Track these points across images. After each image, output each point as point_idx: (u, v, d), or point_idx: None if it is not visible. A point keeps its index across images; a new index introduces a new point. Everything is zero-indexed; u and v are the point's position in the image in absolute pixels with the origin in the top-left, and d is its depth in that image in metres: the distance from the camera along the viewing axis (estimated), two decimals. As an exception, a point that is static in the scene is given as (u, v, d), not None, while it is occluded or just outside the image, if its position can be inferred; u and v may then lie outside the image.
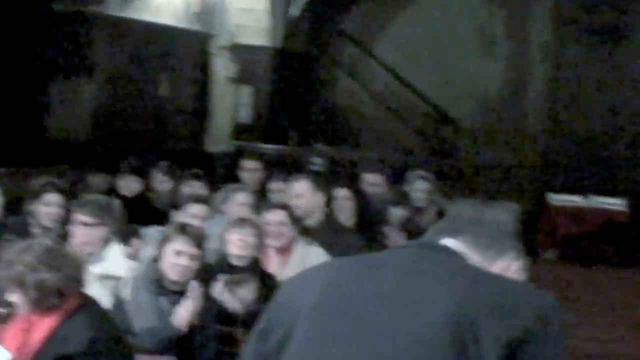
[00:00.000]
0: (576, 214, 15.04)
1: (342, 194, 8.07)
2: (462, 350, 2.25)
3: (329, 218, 7.61)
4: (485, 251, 2.53)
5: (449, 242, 2.52)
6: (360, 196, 8.43)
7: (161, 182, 9.49)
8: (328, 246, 7.03)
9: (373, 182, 9.26)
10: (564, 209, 15.17)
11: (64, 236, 6.34)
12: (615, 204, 15.26)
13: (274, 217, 6.98)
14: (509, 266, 2.57)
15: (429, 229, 2.65)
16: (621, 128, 17.10)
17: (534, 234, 14.75)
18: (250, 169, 9.59)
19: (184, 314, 5.78)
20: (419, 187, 9.31)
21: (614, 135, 17.10)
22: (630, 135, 17.10)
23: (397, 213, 8.58)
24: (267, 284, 6.27)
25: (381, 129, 17.69)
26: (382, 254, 2.64)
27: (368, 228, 8.06)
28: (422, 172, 9.71)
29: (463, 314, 2.27)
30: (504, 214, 2.75)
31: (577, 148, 17.21)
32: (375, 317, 2.35)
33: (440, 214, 9.27)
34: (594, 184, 16.32)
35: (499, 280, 2.43)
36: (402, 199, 8.80)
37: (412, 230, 8.49)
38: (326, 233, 7.39)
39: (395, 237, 8.21)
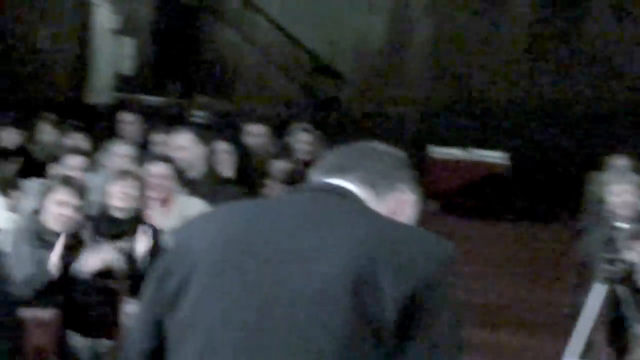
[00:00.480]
0: (457, 166, 15.24)
1: (223, 146, 8.09)
2: (360, 305, 2.20)
3: (211, 170, 7.64)
4: (377, 187, 2.47)
5: (340, 182, 2.46)
6: (242, 148, 8.46)
7: (46, 133, 9.38)
8: (209, 198, 7.07)
9: (255, 133, 9.29)
10: (444, 162, 15.36)
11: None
12: (495, 156, 15.50)
13: (156, 170, 6.99)
14: (403, 199, 2.51)
15: (316, 166, 2.55)
16: (503, 83, 17.40)
17: (418, 185, 14.92)
18: (129, 122, 9.54)
19: (55, 258, 5.79)
20: (302, 139, 9.35)
21: (495, 89, 17.39)
22: (510, 89, 17.42)
23: (279, 165, 8.62)
24: (151, 236, 6.29)
25: (264, 81, 17.68)
26: (277, 199, 2.64)
27: (250, 180, 8.10)
28: (304, 125, 9.77)
29: (361, 267, 2.22)
30: (392, 148, 2.63)
31: (458, 101, 17.46)
32: (270, 270, 2.30)
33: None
34: (475, 137, 16.57)
35: (396, 228, 2.36)
36: (285, 152, 8.85)
37: (295, 183, 8.56)
38: (208, 185, 7.43)
39: (277, 189, 8.26)
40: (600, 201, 8.75)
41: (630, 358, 4.75)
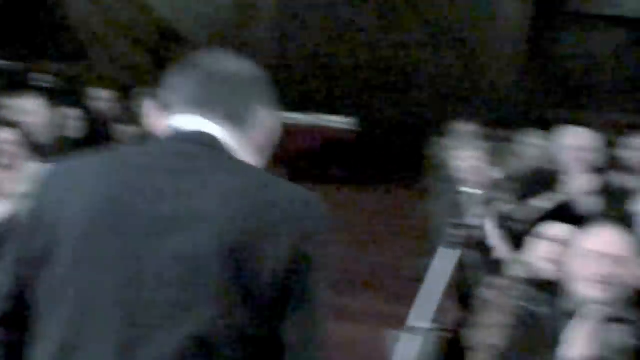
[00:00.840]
0: (304, 131, 15.31)
1: (71, 111, 7.95)
2: (237, 273, 2.17)
3: (59, 135, 7.49)
4: (242, 122, 2.40)
5: (203, 124, 2.36)
6: (88, 113, 8.33)
7: None
8: (58, 164, 6.94)
9: (102, 98, 9.15)
10: (292, 127, 15.41)
11: None
12: (342, 122, 15.65)
13: (3, 135, 6.80)
14: (267, 126, 2.47)
15: (174, 97, 2.39)
16: (348, 49, 17.56)
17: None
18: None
19: None
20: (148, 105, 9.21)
21: (341, 56, 17.54)
22: (355, 56, 17.60)
23: (125, 130, 8.51)
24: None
25: (111, 46, 17.41)
26: (143, 152, 2.37)
27: (98, 145, 7.97)
28: (150, 90, 9.62)
29: (239, 234, 2.18)
30: (247, 64, 2.45)
31: (305, 67, 17.56)
32: (143, 238, 2.22)
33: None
34: (322, 102, 16.70)
35: (271, 188, 2.27)
36: (131, 117, 8.71)
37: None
38: (57, 150, 7.28)
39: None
40: (446, 166, 8.97)
41: (478, 322, 4.88)
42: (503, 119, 14.54)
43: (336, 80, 17.43)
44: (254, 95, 2.48)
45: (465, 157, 6.89)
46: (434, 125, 16.68)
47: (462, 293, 5.56)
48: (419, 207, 13.21)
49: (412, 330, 5.64)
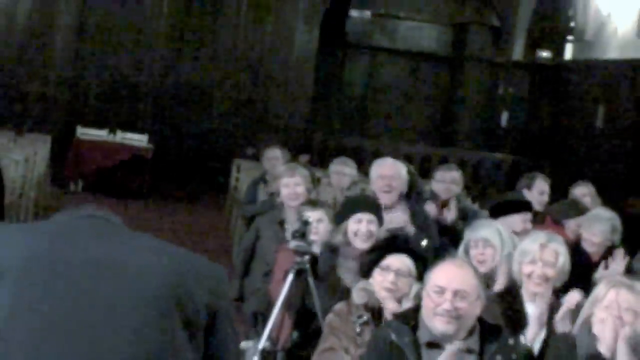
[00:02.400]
0: (102, 147, 15.09)
1: None
2: (180, 310, 2.32)
3: None
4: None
5: (107, 215, 2.54)
6: None
7: None
8: None
9: None
10: (90, 143, 15.16)
11: None
12: (138, 139, 15.52)
13: None
14: None
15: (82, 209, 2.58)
16: (147, 70, 17.46)
17: (63, 166, 14.65)
18: None
19: None
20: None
21: (140, 72, 17.41)
22: (153, 76, 17.51)
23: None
24: None
25: None
26: (60, 222, 2.51)
27: None
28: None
29: (174, 282, 2.34)
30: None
31: (104, 84, 17.33)
32: (81, 284, 2.28)
33: None
34: (120, 119, 16.53)
35: (181, 249, 2.50)
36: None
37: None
38: None
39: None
40: (252, 191, 9.02)
41: (320, 345, 4.96)
42: (291, 145, 14.79)
43: (135, 98, 17.25)
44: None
45: (290, 183, 6.95)
46: (229, 147, 16.85)
47: (303, 316, 5.62)
48: (219, 226, 13.30)
49: (248, 349, 5.72)
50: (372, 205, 6.02)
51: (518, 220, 6.69)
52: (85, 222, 2.46)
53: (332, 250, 5.81)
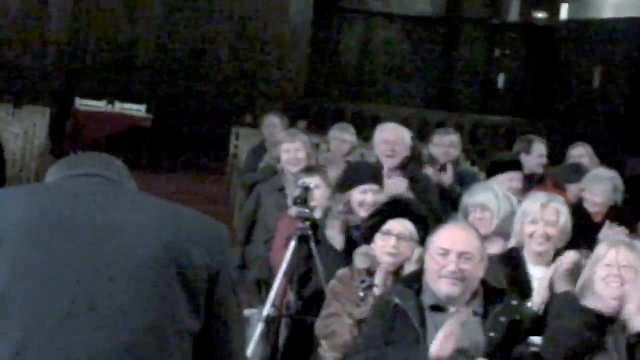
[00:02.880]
0: (101, 118, 15.07)
1: None
2: (180, 274, 2.28)
3: None
4: (129, 181, 2.54)
5: (108, 173, 2.48)
6: None
7: None
8: None
9: None
10: (89, 114, 15.13)
11: None
12: (137, 110, 15.50)
13: None
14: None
15: (81, 163, 2.54)
16: (142, 39, 17.40)
17: (62, 138, 14.64)
18: None
19: None
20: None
21: (136, 46, 17.35)
22: (149, 46, 17.46)
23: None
24: None
25: None
26: (61, 183, 2.46)
27: None
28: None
29: (173, 241, 2.30)
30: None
31: (101, 56, 17.28)
32: (84, 246, 2.25)
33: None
34: (118, 90, 16.49)
35: (182, 209, 2.45)
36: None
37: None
38: None
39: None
40: (253, 158, 8.98)
41: (325, 311, 4.95)
42: (289, 112, 14.75)
43: (131, 69, 17.20)
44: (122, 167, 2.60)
45: (290, 149, 6.92)
46: (229, 115, 16.81)
47: (307, 283, 5.61)
48: (219, 195, 13.30)
49: (252, 316, 5.72)
50: (376, 175, 5.99)
51: (505, 179, 6.68)
52: (85, 182, 2.43)
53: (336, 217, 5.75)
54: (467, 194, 5.73)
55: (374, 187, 5.74)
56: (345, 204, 5.73)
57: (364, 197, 5.69)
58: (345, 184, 5.86)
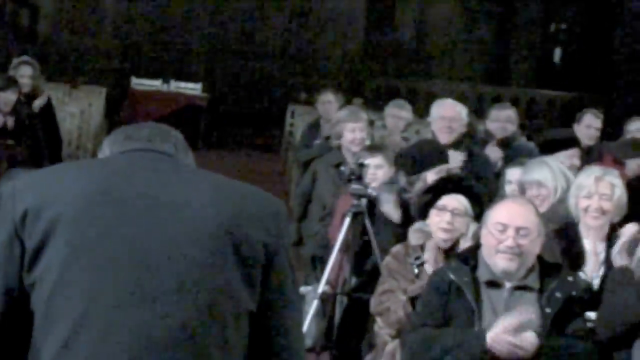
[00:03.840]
0: (156, 97, 15.17)
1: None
2: (237, 250, 2.25)
3: None
4: (186, 154, 2.50)
5: (164, 147, 2.43)
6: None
7: None
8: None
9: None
10: (145, 93, 15.24)
11: None
12: (192, 88, 15.57)
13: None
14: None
15: (137, 135, 2.48)
16: (197, 17, 17.44)
17: (119, 117, 14.76)
18: None
19: None
20: (25, 73, 8.91)
21: (190, 25, 17.42)
22: (204, 25, 17.51)
23: (7, 98, 8.15)
24: None
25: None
26: (116, 158, 2.43)
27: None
28: (26, 58, 9.31)
29: (229, 217, 2.27)
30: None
31: (156, 35, 17.35)
32: (143, 222, 2.24)
33: (49, 99, 9.04)
34: (173, 69, 16.57)
35: (240, 185, 2.42)
36: (9, 85, 8.35)
37: (22, 116, 8.22)
38: None
39: (8, 122, 7.96)
40: (309, 135, 8.98)
41: (379, 288, 4.96)
42: (344, 88, 14.72)
43: (187, 47, 17.28)
44: (182, 140, 2.56)
45: (355, 128, 6.89)
46: (284, 92, 16.84)
47: (363, 259, 5.62)
48: (275, 172, 13.34)
49: (307, 293, 5.74)
50: (442, 154, 5.94)
51: (564, 157, 6.60)
52: (141, 158, 2.40)
53: (394, 193, 5.72)
54: (522, 170, 5.68)
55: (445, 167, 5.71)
56: (409, 182, 5.67)
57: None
58: (413, 163, 5.78)
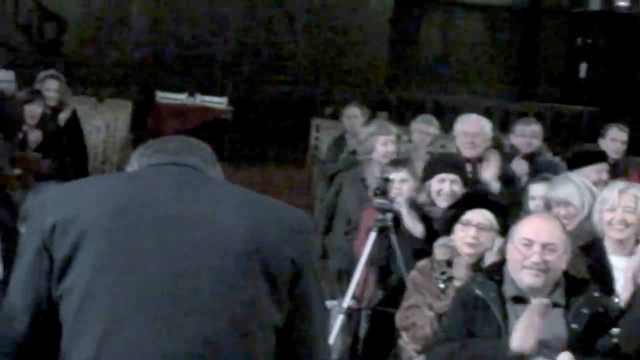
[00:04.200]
0: (182, 111, 15.23)
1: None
2: (264, 262, 2.26)
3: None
4: (214, 167, 2.51)
5: (192, 160, 2.45)
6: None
7: None
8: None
9: (3, 79, 8.90)
10: (170, 107, 15.30)
11: None
12: (218, 102, 15.63)
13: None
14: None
15: (165, 149, 2.49)
16: (223, 31, 17.49)
17: (144, 130, 14.80)
18: None
19: None
20: (51, 86, 8.99)
21: (215, 38, 17.46)
22: (228, 39, 17.55)
23: (31, 111, 8.24)
24: None
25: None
26: (145, 173, 2.45)
27: (8, 126, 7.70)
28: (52, 72, 9.39)
29: (257, 230, 2.29)
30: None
31: (182, 50, 17.43)
32: (170, 235, 2.25)
33: (75, 112, 9.10)
34: (198, 83, 16.62)
35: (266, 199, 2.44)
36: (36, 98, 8.43)
37: (49, 130, 8.28)
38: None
39: (33, 135, 8.01)
40: (334, 148, 9.00)
41: (405, 302, 4.95)
42: (369, 102, 14.71)
43: (212, 61, 17.33)
44: (209, 153, 2.58)
45: (387, 141, 6.90)
46: (309, 107, 16.84)
47: (388, 274, 5.62)
48: (300, 185, 13.34)
49: (333, 308, 5.73)
50: (455, 165, 5.95)
51: (592, 171, 6.59)
52: (169, 172, 2.41)
53: (416, 208, 5.74)
54: (548, 186, 5.67)
55: (452, 176, 5.71)
56: (427, 195, 5.71)
57: (441, 187, 5.67)
58: (427, 175, 5.84)
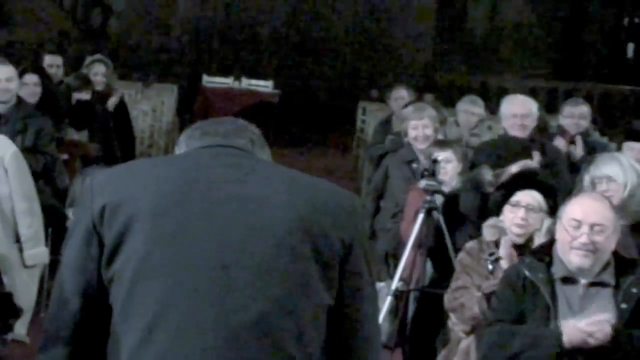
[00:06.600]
0: (228, 94, 15.28)
1: (30, 79, 7.73)
2: (313, 245, 2.26)
3: (20, 102, 7.26)
4: (262, 150, 2.50)
5: (241, 142, 2.44)
6: (43, 79, 8.07)
7: None
8: (19, 131, 6.86)
9: (52, 63, 8.97)
10: (216, 91, 15.36)
11: None
12: (264, 85, 15.66)
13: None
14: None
15: (214, 131, 2.48)
16: (269, 15, 17.53)
17: (190, 113, 14.89)
18: None
19: None
20: (98, 71, 9.05)
21: (261, 23, 17.50)
22: (275, 23, 17.57)
23: (79, 97, 8.30)
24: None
25: (35, 9, 16.97)
26: (193, 155, 2.44)
27: (56, 110, 7.79)
28: (99, 56, 9.45)
29: (305, 212, 2.28)
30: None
31: (228, 33, 17.47)
32: (220, 216, 2.25)
33: (123, 97, 9.17)
34: (244, 67, 16.67)
35: (316, 181, 2.43)
36: (84, 84, 8.48)
37: (97, 113, 8.34)
38: (17, 117, 7.10)
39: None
40: (382, 131, 8.98)
41: (454, 284, 4.95)
42: (415, 84, 14.68)
43: (258, 45, 17.36)
44: (258, 135, 2.55)
45: (418, 125, 6.89)
46: (355, 90, 16.85)
47: (438, 255, 5.61)
48: (346, 168, 13.36)
49: (380, 290, 5.74)
50: (525, 149, 5.90)
51: (636, 148, 6.53)
52: (217, 154, 2.40)
53: (477, 188, 5.67)
54: (592, 164, 5.63)
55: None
56: (495, 175, 5.61)
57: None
58: (497, 158, 5.75)
